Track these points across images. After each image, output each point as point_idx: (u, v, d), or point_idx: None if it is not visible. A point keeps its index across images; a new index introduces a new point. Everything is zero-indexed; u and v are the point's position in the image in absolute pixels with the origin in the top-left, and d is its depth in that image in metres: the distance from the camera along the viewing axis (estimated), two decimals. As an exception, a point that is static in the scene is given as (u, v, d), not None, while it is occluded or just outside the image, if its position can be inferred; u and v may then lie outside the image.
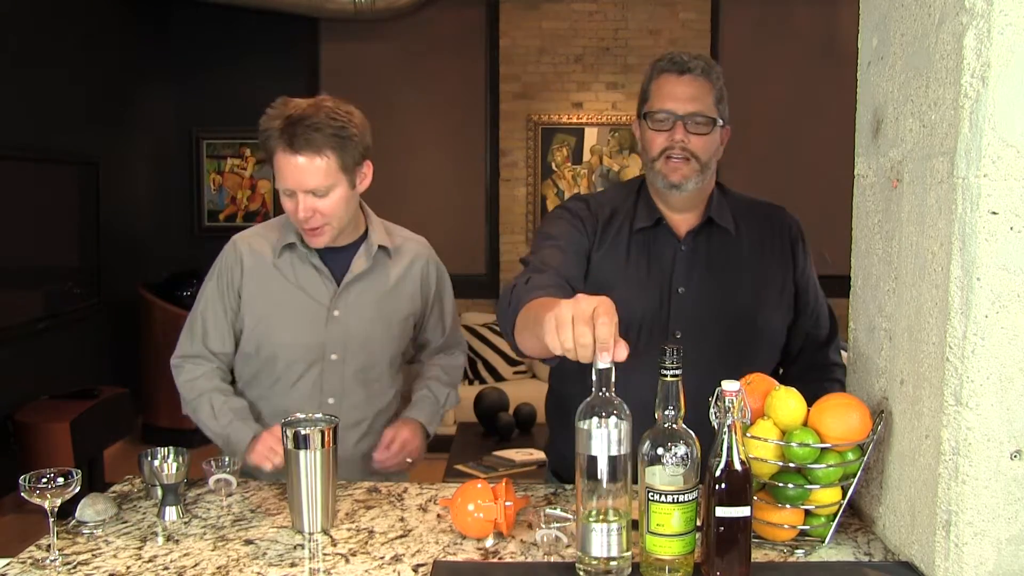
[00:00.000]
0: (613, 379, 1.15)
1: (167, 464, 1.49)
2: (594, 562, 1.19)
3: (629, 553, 1.20)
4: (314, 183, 1.71)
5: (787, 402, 1.34)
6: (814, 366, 1.81)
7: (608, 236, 1.72)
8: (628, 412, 1.16)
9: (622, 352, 1.13)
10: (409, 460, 1.91)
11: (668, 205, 1.73)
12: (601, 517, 1.17)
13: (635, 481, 1.22)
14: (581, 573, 1.21)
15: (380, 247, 1.90)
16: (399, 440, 1.87)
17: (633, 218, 1.73)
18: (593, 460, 1.17)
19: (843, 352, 1.78)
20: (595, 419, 1.15)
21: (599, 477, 1.17)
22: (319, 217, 1.75)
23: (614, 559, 1.18)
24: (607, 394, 1.16)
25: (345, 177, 1.75)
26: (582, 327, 1.12)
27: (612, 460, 1.16)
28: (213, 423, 1.83)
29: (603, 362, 1.13)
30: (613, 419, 1.15)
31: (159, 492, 1.50)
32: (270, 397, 1.88)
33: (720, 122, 1.68)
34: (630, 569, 1.20)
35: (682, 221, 1.74)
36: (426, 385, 2.02)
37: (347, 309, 1.86)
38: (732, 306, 1.69)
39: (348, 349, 1.86)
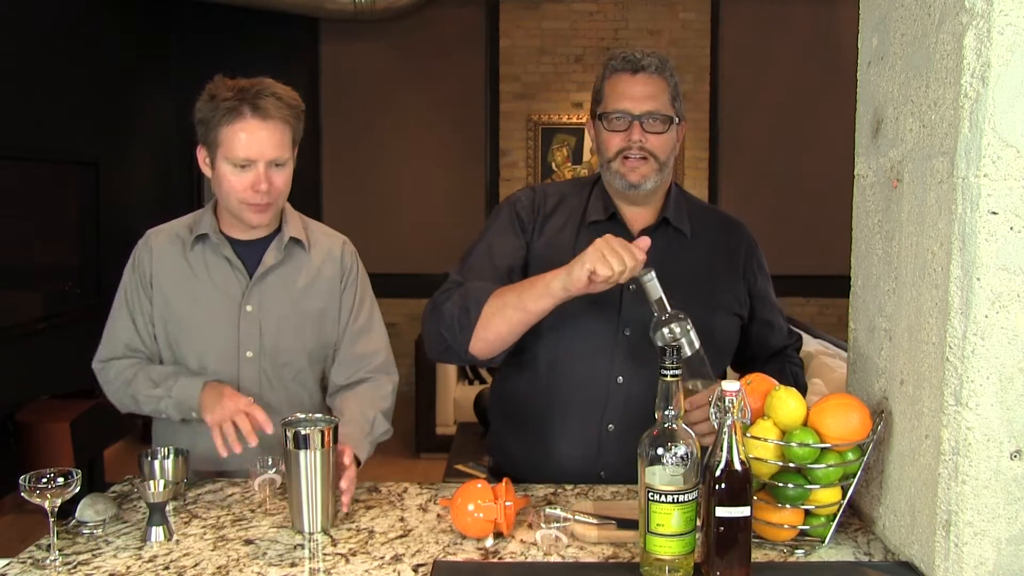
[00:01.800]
0: (662, 294, 1.47)
1: (152, 481, 1.40)
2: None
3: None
4: (276, 152, 1.67)
5: (787, 402, 1.34)
6: (769, 362, 1.82)
7: (553, 226, 1.72)
8: (689, 319, 1.46)
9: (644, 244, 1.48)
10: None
11: (624, 200, 1.72)
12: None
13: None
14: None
15: (293, 239, 1.81)
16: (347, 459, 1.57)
17: (585, 210, 1.72)
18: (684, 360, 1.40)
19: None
20: (666, 330, 1.46)
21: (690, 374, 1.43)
22: (272, 192, 1.69)
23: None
24: (670, 309, 1.47)
25: (293, 153, 1.73)
26: (617, 258, 1.43)
27: (698, 353, 1.46)
28: (154, 390, 1.71)
29: (654, 288, 1.47)
30: (679, 327, 1.46)
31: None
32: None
33: (677, 120, 1.66)
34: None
35: (637, 217, 1.72)
36: (350, 409, 1.78)
37: (260, 304, 1.77)
38: (680, 306, 1.66)
39: (263, 346, 1.78)
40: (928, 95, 1.24)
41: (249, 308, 1.77)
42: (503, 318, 1.55)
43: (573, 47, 6.07)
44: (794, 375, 1.79)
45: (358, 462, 1.63)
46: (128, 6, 5.52)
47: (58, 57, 4.67)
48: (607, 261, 1.41)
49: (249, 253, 1.79)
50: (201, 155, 1.73)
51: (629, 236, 1.69)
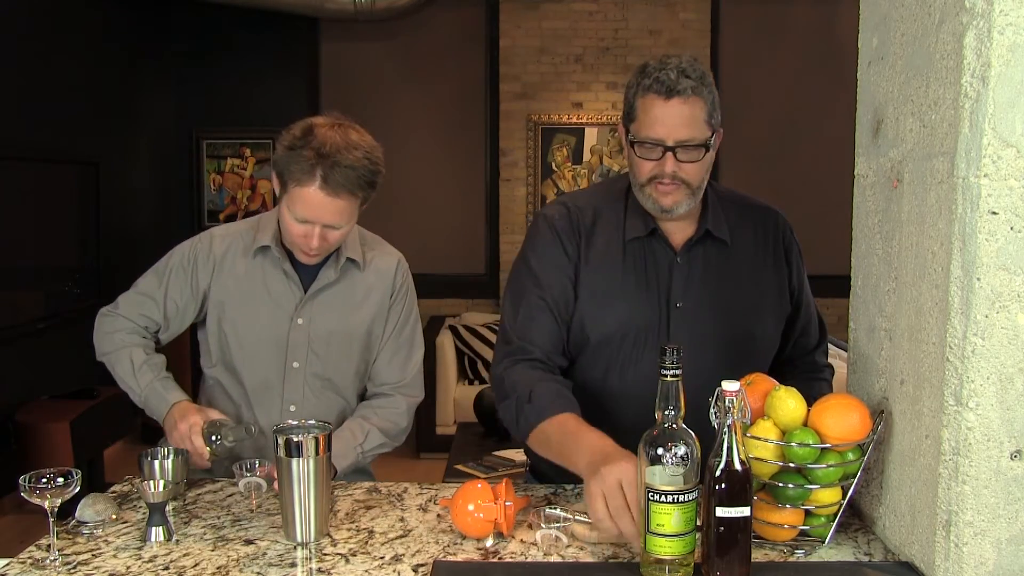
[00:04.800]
0: None
1: (152, 481, 1.40)
2: None
3: None
4: (333, 220, 1.71)
5: (787, 402, 1.34)
6: (802, 368, 1.81)
7: (596, 245, 1.66)
8: None
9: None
10: None
11: (660, 216, 1.65)
12: None
13: None
14: None
15: (349, 259, 1.85)
16: None
17: (624, 227, 1.66)
18: None
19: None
20: None
21: None
22: (324, 246, 1.74)
23: None
24: None
25: (360, 209, 1.77)
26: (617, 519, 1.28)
27: None
28: (132, 381, 1.81)
29: None
30: None
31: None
32: (238, 403, 1.86)
33: (712, 134, 1.56)
34: None
35: (677, 230, 1.66)
36: (351, 420, 1.87)
37: (310, 318, 1.83)
38: (730, 319, 1.65)
39: (308, 358, 1.83)
40: (928, 95, 1.24)
41: (300, 321, 1.83)
42: (544, 451, 1.54)
43: (573, 47, 6.06)
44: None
45: (335, 472, 1.70)
46: (128, 6, 5.52)
47: (58, 57, 4.66)
48: (607, 523, 1.29)
49: (306, 268, 1.84)
50: (274, 180, 1.77)
51: (670, 252, 1.65)
